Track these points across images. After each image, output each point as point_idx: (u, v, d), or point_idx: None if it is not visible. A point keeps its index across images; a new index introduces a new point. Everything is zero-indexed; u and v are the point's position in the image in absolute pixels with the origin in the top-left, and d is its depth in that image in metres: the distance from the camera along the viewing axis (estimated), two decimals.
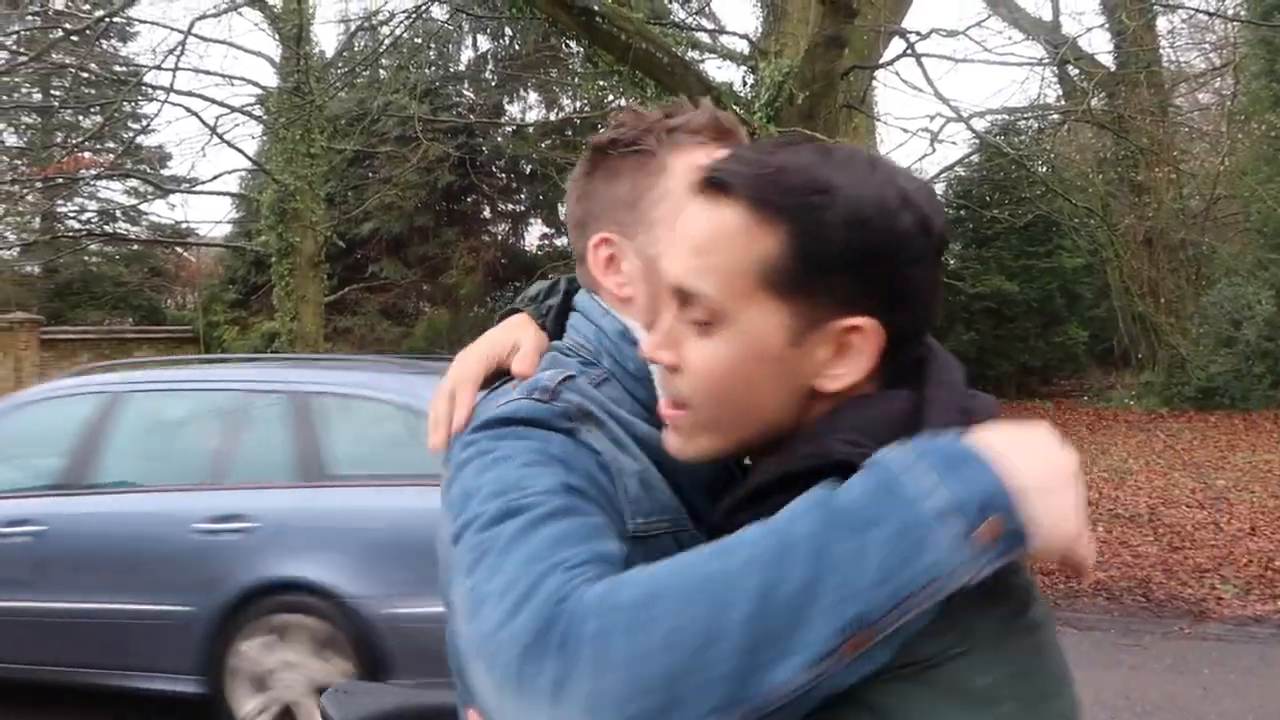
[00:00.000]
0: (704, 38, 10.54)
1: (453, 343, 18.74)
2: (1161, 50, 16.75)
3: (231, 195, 18.88)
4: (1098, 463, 10.69)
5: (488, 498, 0.86)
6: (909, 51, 8.52)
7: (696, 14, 12.74)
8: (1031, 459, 0.74)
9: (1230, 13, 15.26)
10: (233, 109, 13.67)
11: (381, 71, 17.69)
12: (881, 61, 9.60)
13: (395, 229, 18.57)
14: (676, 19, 11.03)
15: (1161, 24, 16.64)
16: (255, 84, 14.58)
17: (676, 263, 0.87)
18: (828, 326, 0.82)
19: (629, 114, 1.09)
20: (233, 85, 23.12)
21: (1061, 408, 16.21)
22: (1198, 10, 13.31)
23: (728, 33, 11.43)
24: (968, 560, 0.69)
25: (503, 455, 0.90)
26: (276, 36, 14.02)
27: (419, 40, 17.27)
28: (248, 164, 15.62)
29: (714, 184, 0.84)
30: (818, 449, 0.82)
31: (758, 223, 0.82)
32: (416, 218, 18.56)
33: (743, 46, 9.27)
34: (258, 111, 14.81)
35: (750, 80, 8.94)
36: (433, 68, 19.23)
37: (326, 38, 55.40)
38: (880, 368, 0.85)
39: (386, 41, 14.94)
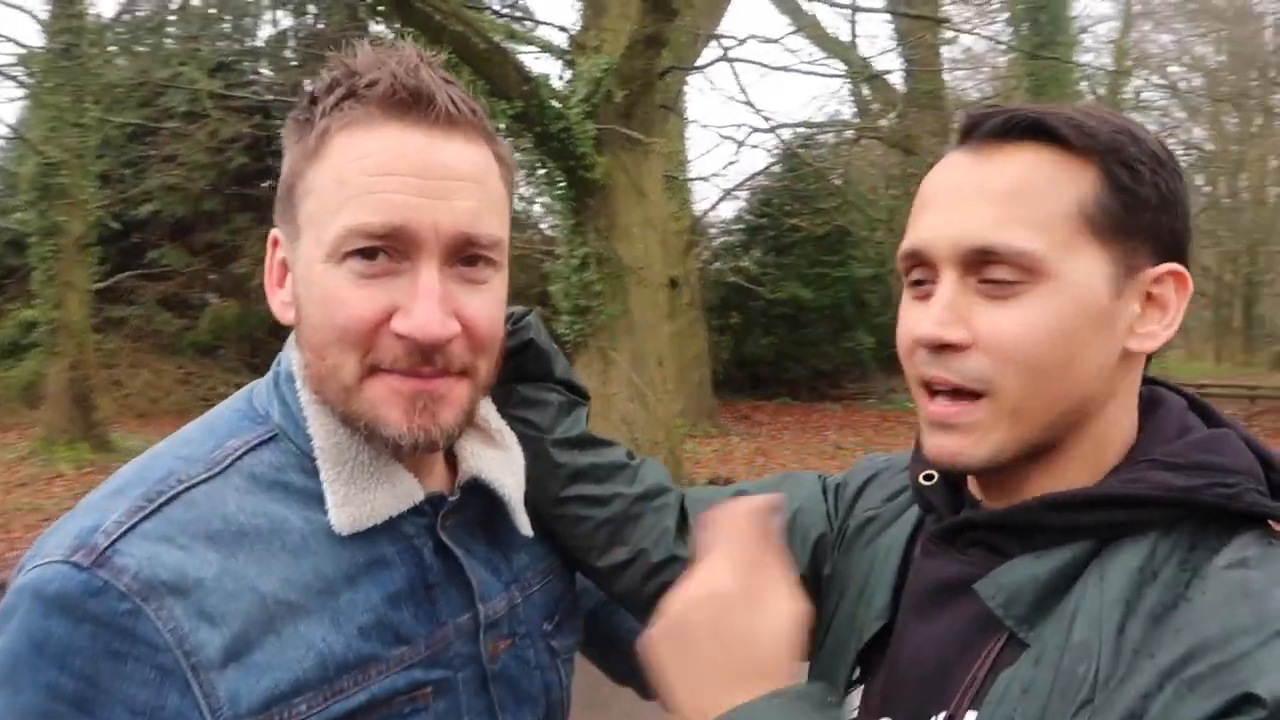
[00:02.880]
0: (521, 27, 10.35)
1: (240, 337, 17.57)
2: (945, 76, 18.06)
3: None
4: None
5: None
6: (725, 57, 8.71)
7: (510, 5, 12.53)
8: None
9: (1005, 45, 16.66)
10: None
11: (168, 40, 16.28)
12: (699, 64, 9.78)
13: (179, 212, 17.14)
14: (493, 7, 10.78)
15: (946, 53, 17.98)
16: (16, 42, 13.02)
17: (966, 219, 0.76)
18: (1140, 275, 0.76)
19: (343, 58, 0.83)
20: None
21: (850, 409, 17.13)
22: (981, 35, 14.45)
23: (545, 23, 11.29)
24: None
25: (9, 669, 0.71)
26: None
27: (212, 10, 16.04)
28: (4, 131, 13.93)
29: (1006, 129, 0.77)
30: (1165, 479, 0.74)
31: (1071, 162, 0.75)
32: (204, 201, 17.20)
33: (561, 40, 9.17)
34: (18, 73, 13.23)
35: (567, 75, 8.85)
36: (226, 41, 17.91)
37: None
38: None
39: (174, 7, 13.74)
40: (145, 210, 16.76)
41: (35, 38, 13.65)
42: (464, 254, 0.82)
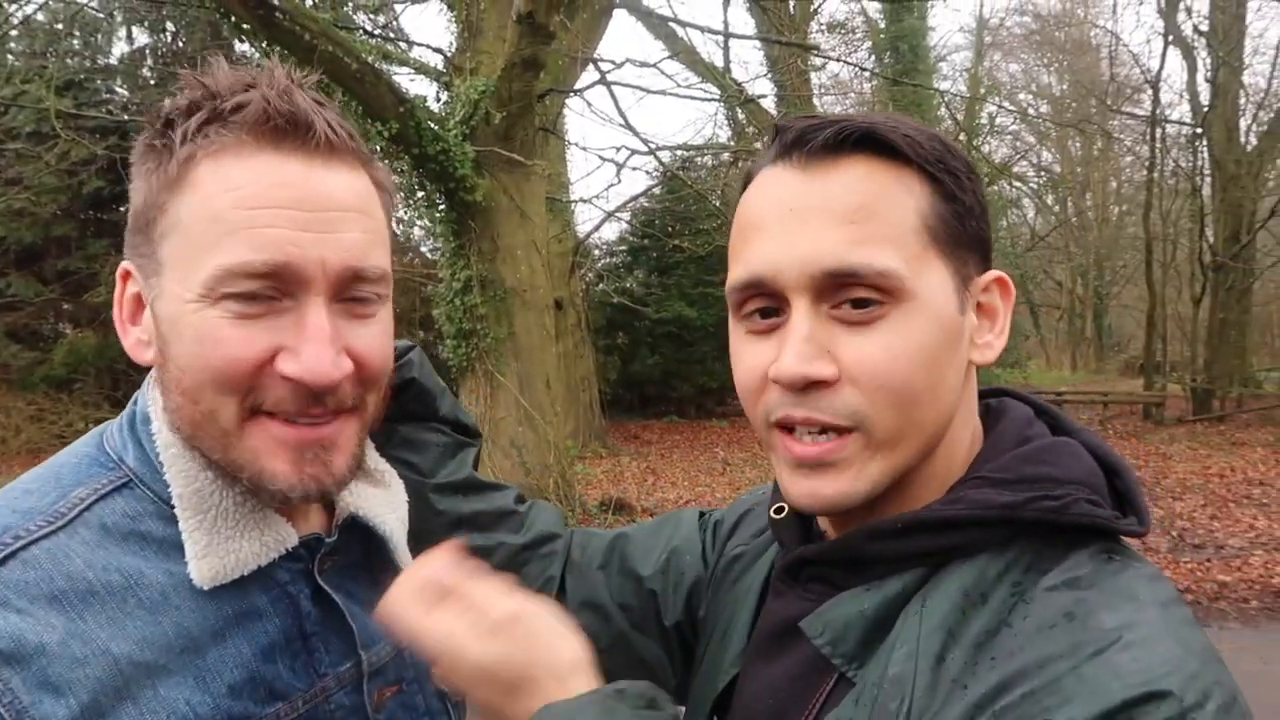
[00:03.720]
0: (395, 48, 10.18)
1: (100, 370, 16.56)
2: (815, 101, 18.72)
3: None
4: (769, 475, 11.59)
5: None
6: (603, 80, 8.78)
7: (383, 27, 12.31)
8: None
9: (869, 72, 17.39)
10: None
11: (10, 57, 15.31)
12: (577, 87, 9.82)
13: (27, 238, 16.10)
14: (364, 27, 10.57)
15: (815, 79, 18.67)
16: None
17: (814, 241, 0.69)
18: (974, 284, 0.74)
19: (200, 78, 0.76)
20: None
21: (736, 426, 17.43)
22: (847, 62, 15.04)
23: (421, 45, 11.14)
24: None
25: None
26: None
27: (59, 25, 15.19)
28: None
29: (838, 141, 0.70)
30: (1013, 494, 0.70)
31: (904, 174, 0.71)
32: (55, 227, 16.21)
33: (436, 61, 9.06)
34: None
35: (444, 97, 8.75)
36: (76, 58, 16.97)
37: None
38: None
39: (15, 21, 12.93)
40: None
41: None
42: (351, 289, 0.77)
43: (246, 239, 0.71)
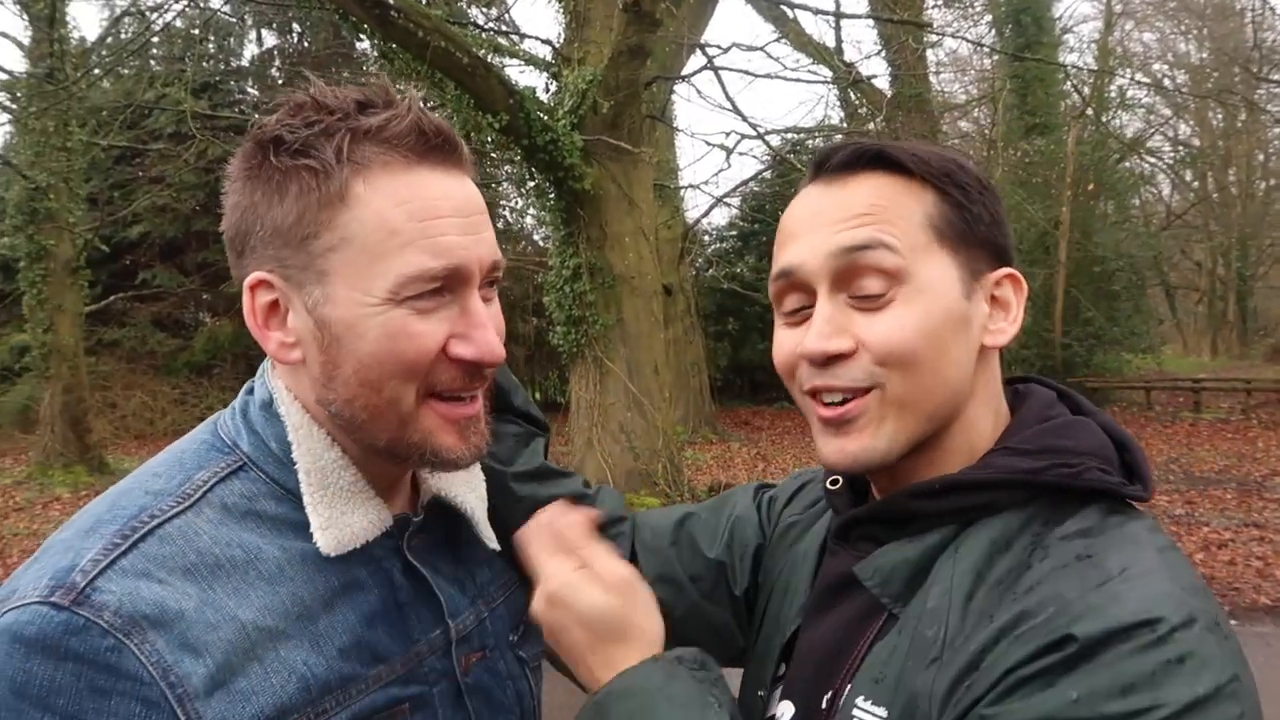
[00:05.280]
0: (506, 41, 10.38)
1: (235, 356, 17.54)
2: (931, 79, 18.15)
3: None
4: None
5: None
6: (709, 65, 8.73)
7: (496, 20, 12.55)
8: None
9: (988, 47, 16.73)
10: None
11: (152, 62, 16.30)
12: (683, 73, 9.80)
13: (169, 233, 17.18)
14: (476, 21, 10.80)
15: (931, 56, 18.08)
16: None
17: (831, 234, 0.84)
18: (985, 278, 0.86)
19: (310, 98, 0.83)
20: None
21: None
22: (964, 39, 14.51)
23: (530, 36, 11.32)
24: None
25: None
26: (25, 16, 12.55)
27: (195, 31, 16.08)
28: None
29: (853, 160, 0.86)
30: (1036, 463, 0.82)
31: (912, 185, 0.85)
32: (194, 221, 17.23)
33: (545, 52, 9.19)
34: (1, 98, 13.21)
35: (553, 87, 8.86)
36: (211, 61, 17.95)
37: (87, 21, 51.06)
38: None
39: (157, 28, 13.76)
40: (135, 232, 16.78)
41: (18, 63, 13.67)
42: (489, 278, 0.88)
43: (425, 248, 0.81)
